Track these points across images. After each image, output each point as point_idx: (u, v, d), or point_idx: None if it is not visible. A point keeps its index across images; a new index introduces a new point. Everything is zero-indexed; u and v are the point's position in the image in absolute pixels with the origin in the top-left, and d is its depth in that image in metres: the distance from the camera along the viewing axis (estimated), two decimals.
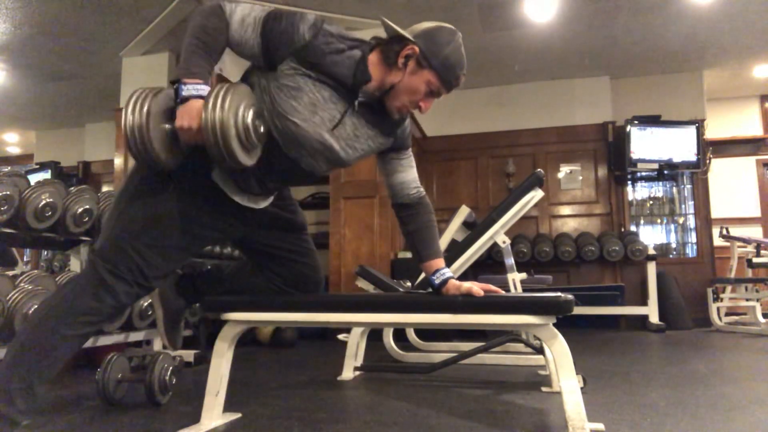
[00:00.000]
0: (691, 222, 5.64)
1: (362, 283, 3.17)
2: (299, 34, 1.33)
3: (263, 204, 1.56)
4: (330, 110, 1.39)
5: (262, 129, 1.31)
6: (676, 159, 5.38)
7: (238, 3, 1.37)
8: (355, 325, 2.54)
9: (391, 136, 1.55)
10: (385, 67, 1.40)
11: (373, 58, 1.41)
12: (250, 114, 1.27)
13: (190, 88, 1.24)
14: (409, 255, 1.86)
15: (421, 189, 1.66)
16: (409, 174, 1.63)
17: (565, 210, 5.67)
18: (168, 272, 1.49)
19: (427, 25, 1.44)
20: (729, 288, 4.98)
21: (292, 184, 1.66)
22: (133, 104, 1.21)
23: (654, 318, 4.71)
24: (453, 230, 3.13)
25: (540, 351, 2.53)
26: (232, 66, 4.55)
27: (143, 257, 1.37)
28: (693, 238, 5.64)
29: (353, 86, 1.40)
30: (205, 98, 1.23)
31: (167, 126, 1.25)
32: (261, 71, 1.40)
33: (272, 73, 1.36)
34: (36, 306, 1.95)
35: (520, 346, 2.91)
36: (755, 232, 5.96)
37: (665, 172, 5.48)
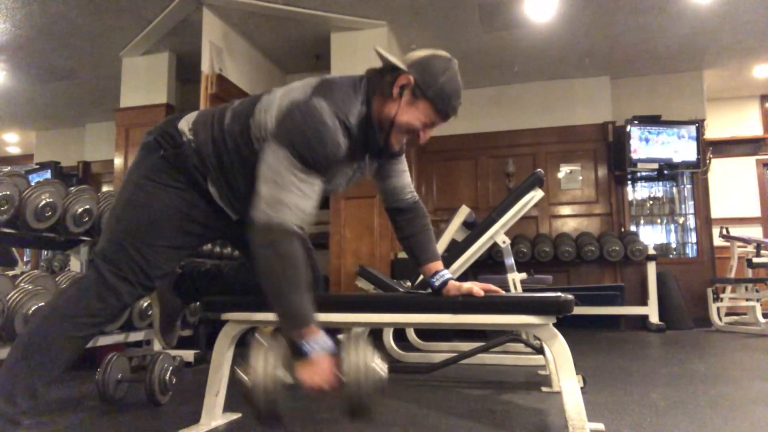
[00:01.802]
0: (691, 222, 5.64)
1: (362, 283, 3.18)
2: (342, 149, 1.30)
3: None
4: (347, 173, 1.45)
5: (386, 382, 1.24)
6: (676, 159, 5.39)
7: (272, 193, 1.22)
8: (355, 325, 2.54)
9: (390, 150, 1.56)
10: (381, 98, 1.38)
11: (375, 100, 1.39)
12: (384, 371, 1.20)
13: (314, 344, 1.18)
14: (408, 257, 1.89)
15: (415, 194, 1.65)
16: (403, 179, 1.62)
17: (565, 210, 5.67)
18: (169, 271, 1.49)
19: (420, 53, 1.40)
20: (729, 288, 4.98)
21: None
22: (263, 364, 1.16)
23: (654, 318, 4.71)
24: (453, 230, 3.13)
25: (540, 351, 2.53)
26: (232, 66, 4.56)
27: (145, 257, 1.37)
28: (693, 238, 5.64)
29: (365, 147, 1.42)
30: (334, 353, 1.18)
31: (286, 379, 1.18)
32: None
33: None
34: (36, 306, 1.95)
35: (520, 346, 2.91)
36: (755, 232, 5.96)
37: (665, 172, 5.48)
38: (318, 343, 1.19)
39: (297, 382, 1.18)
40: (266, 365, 1.16)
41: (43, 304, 1.94)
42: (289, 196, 1.22)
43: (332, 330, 1.30)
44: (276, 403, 1.17)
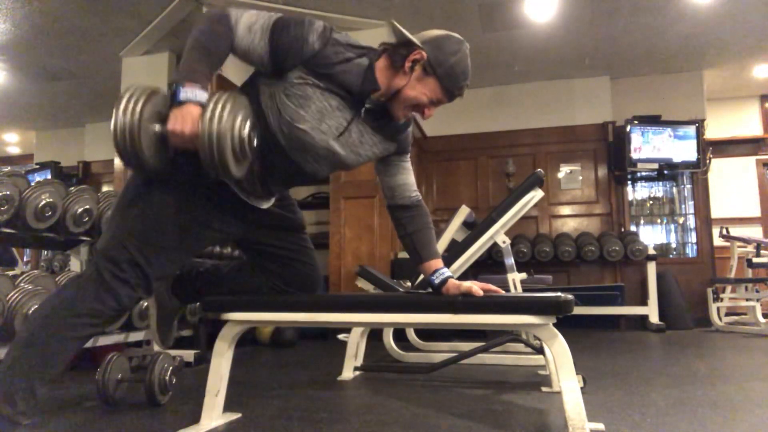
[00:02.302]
0: (691, 222, 5.64)
1: (362, 283, 3.17)
2: (308, 44, 1.33)
3: (266, 205, 1.57)
4: (337, 118, 1.41)
5: (255, 142, 1.30)
6: (676, 159, 5.39)
7: (244, 10, 1.35)
8: (355, 325, 2.55)
9: (395, 140, 1.56)
10: (391, 71, 1.41)
11: (380, 63, 1.42)
12: (247, 126, 1.25)
13: (188, 92, 1.21)
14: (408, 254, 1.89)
15: (418, 193, 1.67)
16: (408, 177, 1.64)
17: (565, 210, 5.67)
18: (169, 273, 1.49)
19: (436, 32, 1.43)
20: (729, 288, 4.98)
21: (295, 186, 1.67)
22: (125, 103, 1.17)
23: (654, 318, 4.71)
24: (453, 230, 3.13)
25: (540, 351, 2.53)
26: (232, 66, 4.55)
27: (145, 257, 1.37)
28: (693, 238, 5.64)
29: (360, 94, 1.41)
30: (203, 105, 1.21)
31: (157, 127, 1.21)
32: (268, 77, 1.40)
33: (280, 81, 1.36)
34: (37, 306, 1.95)
35: (520, 346, 2.91)
36: (755, 232, 5.96)
37: (665, 172, 5.49)
38: (194, 93, 1.21)
39: (164, 128, 1.21)
40: (134, 109, 1.17)
41: (41, 303, 1.93)
42: (244, 15, 1.34)
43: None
44: (139, 146, 1.18)
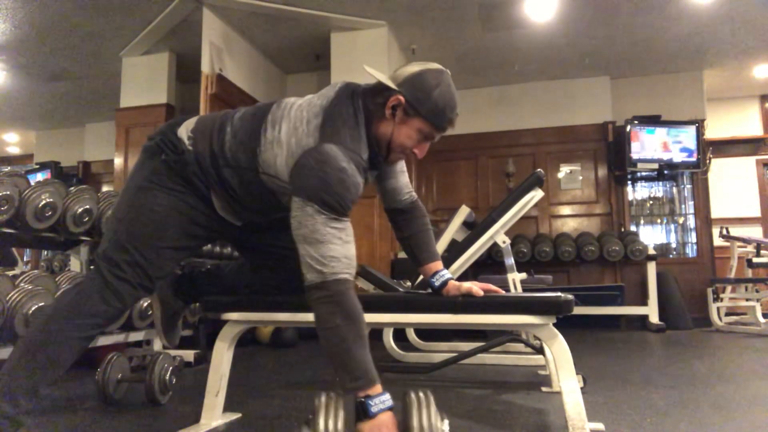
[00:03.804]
0: (691, 222, 5.64)
1: (362, 283, 3.17)
2: (362, 187, 1.32)
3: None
4: None
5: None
6: (676, 159, 5.39)
7: (313, 254, 1.23)
8: None
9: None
10: (376, 120, 1.37)
11: (374, 125, 1.38)
12: (446, 425, 1.19)
13: (377, 402, 1.16)
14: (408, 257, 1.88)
15: (414, 193, 1.65)
16: (401, 179, 1.62)
17: (565, 210, 5.67)
18: (170, 272, 1.50)
19: (410, 69, 1.36)
20: (729, 288, 4.98)
21: None
22: (324, 423, 1.13)
23: (654, 318, 4.71)
24: (453, 230, 3.13)
25: (540, 351, 2.53)
26: (232, 66, 4.56)
27: (146, 258, 1.38)
28: (693, 238, 5.64)
29: (369, 168, 1.41)
30: (393, 408, 1.17)
31: None
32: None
33: None
34: (36, 306, 1.95)
35: (520, 346, 2.91)
36: (755, 232, 5.96)
37: (665, 172, 5.49)
38: (382, 401, 1.16)
39: None
40: (332, 427, 1.13)
41: (43, 304, 1.94)
42: (334, 249, 1.22)
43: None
44: None
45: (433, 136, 1.41)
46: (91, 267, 1.45)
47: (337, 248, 1.22)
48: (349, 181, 1.25)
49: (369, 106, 1.37)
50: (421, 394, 1.19)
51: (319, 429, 1.13)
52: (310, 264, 1.23)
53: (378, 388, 1.18)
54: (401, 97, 1.33)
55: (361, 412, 1.15)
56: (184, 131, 1.43)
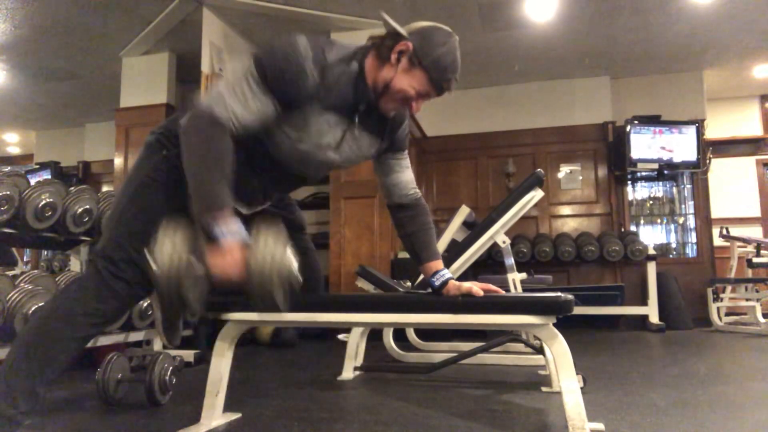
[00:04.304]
0: (691, 222, 5.64)
1: (362, 283, 3.17)
2: (310, 78, 1.29)
3: (263, 207, 1.58)
4: (334, 132, 1.41)
5: (300, 279, 1.25)
6: (676, 159, 5.39)
7: (219, 90, 1.27)
8: (355, 325, 2.55)
9: (391, 138, 1.56)
10: (378, 63, 1.39)
11: (369, 61, 1.40)
12: (294, 262, 1.21)
13: (222, 227, 1.17)
14: (409, 255, 1.87)
15: (418, 191, 1.65)
16: (406, 175, 1.62)
17: (565, 210, 5.67)
18: None
19: (424, 24, 1.42)
20: (729, 288, 4.98)
21: (293, 190, 1.70)
22: (165, 248, 1.14)
23: (654, 318, 4.71)
24: (453, 230, 3.13)
25: (540, 351, 2.53)
26: (232, 66, 4.55)
27: (143, 256, 1.37)
28: (693, 238, 5.64)
29: (354, 105, 1.41)
30: (243, 238, 1.18)
31: (200, 269, 1.16)
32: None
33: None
34: (37, 306, 1.95)
35: (520, 346, 2.91)
36: (755, 232, 5.96)
37: (665, 172, 5.49)
38: (230, 229, 1.18)
39: (206, 268, 1.17)
40: (174, 250, 1.14)
41: (43, 303, 1.94)
42: (230, 98, 1.26)
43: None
44: (183, 288, 1.15)
45: (430, 93, 1.42)
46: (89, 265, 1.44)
47: (233, 100, 1.26)
48: (295, 60, 1.27)
49: (374, 47, 1.40)
50: (265, 224, 1.21)
51: (159, 250, 1.14)
52: (208, 96, 1.28)
53: (226, 215, 1.19)
54: (409, 44, 1.36)
55: (209, 237, 1.17)
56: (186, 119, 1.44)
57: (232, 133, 1.26)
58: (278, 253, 1.17)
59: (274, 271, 1.16)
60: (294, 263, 1.21)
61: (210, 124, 1.25)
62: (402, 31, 1.37)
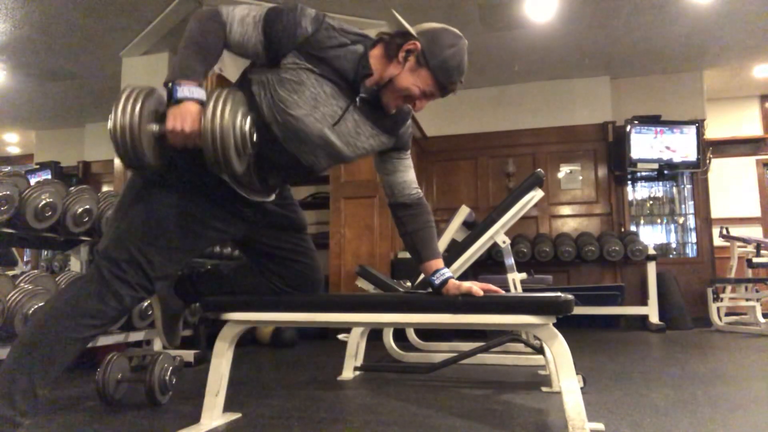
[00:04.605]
0: (691, 222, 5.65)
1: (362, 283, 3.17)
2: (302, 28, 1.33)
3: (267, 198, 1.57)
4: (331, 106, 1.39)
5: (255, 138, 1.30)
6: (676, 159, 5.39)
7: (235, 5, 1.36)
8: (355, 325, 2.55)
9: (393, 135, 1.55)
10: (385, 59, 1.40)
11: (375, 51, 1.42)
12: (248, 122, 1.25)
13: (185, 90, 1.20)
14: (409, 255, 1.86)
15: (420, 190, 1.66)
16: (409, 174, 1.63)
17: (565, 210, 5.67)
18: (171, 273, 1.49)
19: (434, 25, 1.43)
20: (729, 288, 4.98)
21: (293, 181, 1.66)
22: (124, 102, 1.16)
23: (654, 318, 4.71)
24: (453, 230, 3.13)
25: (540, 351, 2.53)
26: (232, 65, 4.55)
27: (146, 258, 1.37)
28: (693, 238, 5.64)
29: (354, 81, 1.39)
30: (202, 102, 1.21)
31: (156, 127, 1.20)
32: (262, 67, 1.39)
33: (274, 68, 1.36)
34: (37, 306, 1.95)
35: (520, 346, 2.91)
36: (755, 232, 5.96)
37: (665, 172, 5.49)
38: (191, 91, 1.21)
39: (163, 128, 1.20)
40: (133, 110, 1.16)
41: (43, 304, 1.94)
42: (235, 9, 1.34)
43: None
44: (138, 149, 1.17)
45: (434, 94, 1.44)
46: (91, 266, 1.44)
47: (236, 13, 1.33)
48: (296, 10, 1.34)
49: (385, 45, 1.41)
50: (226, 90, 1.25)
51: (119, 109, 1.16)
52: (220, 4, 1.36)
53: (193, 82, 1.23)
54: (418, 44, 1.38)
55: (168, 97, 1.21)
56: None
57: (226, 38, 1.33)
58: (232, 111, 1.21)
59: (228, 130, 1.19)
60: (248, 123, 1.25)
61: (211, 17, 1.31)
62: (411, 30, 1.38)
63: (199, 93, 1.22)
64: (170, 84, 1.21)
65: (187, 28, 1.31)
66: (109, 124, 1.17)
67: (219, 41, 1.31)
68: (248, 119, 1.26)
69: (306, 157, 1.45)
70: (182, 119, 1.19)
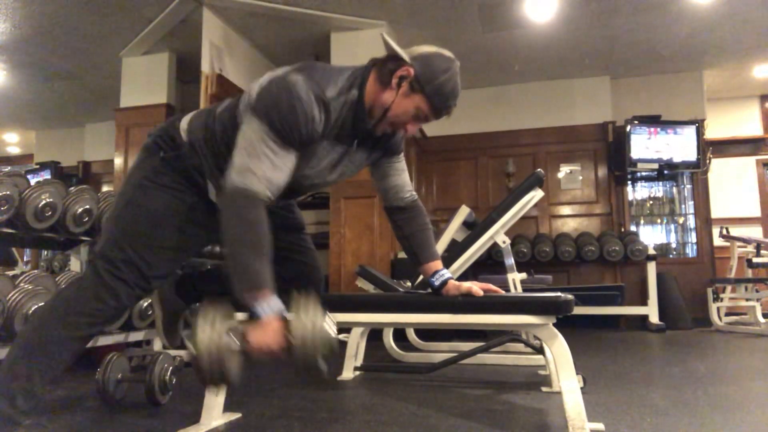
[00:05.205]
0: (691, 222, 5.65)
1: (362, 283, 3.17)
2: (317, 121, 1.29)
3: None
4: (332, 156, 1.42)
5: (338, 344, 1.27)
6: (676, 159, 5.39)
7: (245, 161, 1.24)
8: (355, 325, 2.55)
9: (385, 145, 1.56)
10: (379, 86, 1.38)
11: (369, 84, 1.39)
12: (333, 329, 1.22)
13: (264, 306, 1.18)
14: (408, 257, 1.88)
15: (414, 193, 1.65)
16: (402, 178, 1.62)
17: (565, 210, 5.67)
18: (168, 273, 1.49)
19: (426, 49, 1.40)
20: (729, 288, 4.98)
21: (290, 200, 1.70)
22: (203, 324, 1.15)
23: (654, 318, 4.71)
24: (453, 230, 3.13)
25: (540, 351, 2.53)
26: (232, 66, 4.56)
27: (143, 258, 1.37)
28: (693, 238, 5.64)
29: (353, 132, 1.41)
30: (283, 314, 1.19)
31: (240, 345, 1.17)
32: None
33: None
34: (37, 306, 1.95)
35: (520, 346, 2.91)
36: (755, 232, 5.96)
37: (665, 172, 5.49)
38: (269, 305, 1.19)
39: (246, 346, 1.17)
40: (213, 332, 1.15)
41: (42, 304, 1.94)
42: (259, 166, 1.24)
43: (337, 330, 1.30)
44: (223, 369, 1.15)
45: (428, 118, 1.42)
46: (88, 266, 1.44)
47: (261, 167, 1.24)
48: (301, 109, 1.25)
49: (374, 69, 1.39)
50: (304, 297, 1.22)
51: (199, 333, 1.14)
52: (231, 169, 1.26)
53: (267, 293, 1.20)
54: (411, 70, 1.35)
55: (251, 314, 1.19)
56: (185, 123, 1.45)
57: (269, 199, 1.26)
58: (318, 323, 1.18)
59: (315, 341, 1.17)
60: (333, 330, 1.22)
61: (247, 203, 1.24)
62: (404, 55, 1.35)
63: (277, 305, 1.20)
64: (246, 299, 1.20)
65: (225, 224, 1.24)
66: (192, 347, 1.15)
67: (266, 222, 1.25)
68: (333, 326, 1.23)
69: (300, 189, 1.50)
70: (266, 337, 1.16)
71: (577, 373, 1.48)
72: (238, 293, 1.20)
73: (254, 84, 1.36)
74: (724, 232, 5.18)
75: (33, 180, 2.34)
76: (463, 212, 3.17)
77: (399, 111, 1.38)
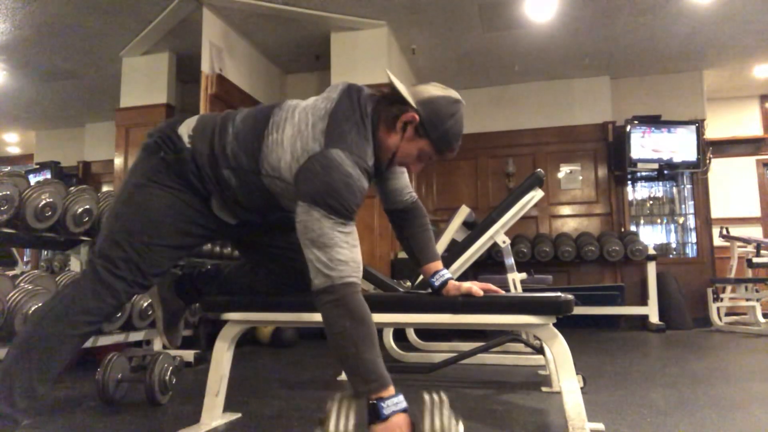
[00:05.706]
0: (691, 222, 5.64)
1: (362, 284, 3.17)
2: (366, 190, 1.32)
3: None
4: None
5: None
6: (676, 159, 5.39)
7: (326, 254, 1.23)
8: None
9: None
10: (384, 128, 1.38)
11: (380, 132, 1.39)
12: (461, 427, 1.18)
13: (389, 404, 1.14)
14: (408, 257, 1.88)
15: (414, 194, 1.65)
16: (401, 180, 1.62)
17: (565, 210, 5.67)
18: (165, 270, 1.49)
19: (432, 91, 1.38)
20: (729, 288, 4.98)
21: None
22: (336, 421, 1.13)
23: (654, 318, 4.71)
24: (453, 230, 3.13)
25: (540, 351, 2.53)
26: (232, 66, 4.56)
27: (140, 255, 1.38)
28: (693, 238, 5.64)
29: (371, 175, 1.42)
30: (407, 410, 1.16)
31: None
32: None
33: None
34: (37, 306, 1.95)
35: (520, 346, 2.91)
36: (755, 232, 5.97)
37: (665, 172, 5.48)
38: (395, 403, 1.15)
39: None
40: (343, 429, 1.13)
41: (41, 303, 1.94)
42: (342, 252, 1.23)
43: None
44: None
45: (432, 158, 1.44)
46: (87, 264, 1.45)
47: (344, 252, 1.24)
48: (355, 186, 1.26)
49: (380, 114, 1.38)
50: (435, 396, 1.18)
51: (331, 428, 1.12)
52: (318, 268, 1.24)
53: (391, 390, 1.17)
54: (416, 116, 1.34)
55: (374, 415, 1.14)
56: (185, 129, 1.43)
57: (357, 278, 1.26)
58: (446, 424, 1.14)
59: None
60: (461, 427, 1.18)
61: (352, 297, 1.23)
62: (410, 99, 1.35)
63: (401, 401, 1.17)
64: (367, 396, 1.17)
65: (330, 323, 1.23)
66: None
67: (368, 310, 1.24)
68: (460, 424, 1.19)
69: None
70: None
71: (577, 373, 1.48)
72: (358, 391, 1.18)
73: (279, 137, 1.33)
74: (724, 232, 5.18)
75: (33, 180, 2.34)
76: (463, 212, 3.17)
77: (405, 154, 1.40)
